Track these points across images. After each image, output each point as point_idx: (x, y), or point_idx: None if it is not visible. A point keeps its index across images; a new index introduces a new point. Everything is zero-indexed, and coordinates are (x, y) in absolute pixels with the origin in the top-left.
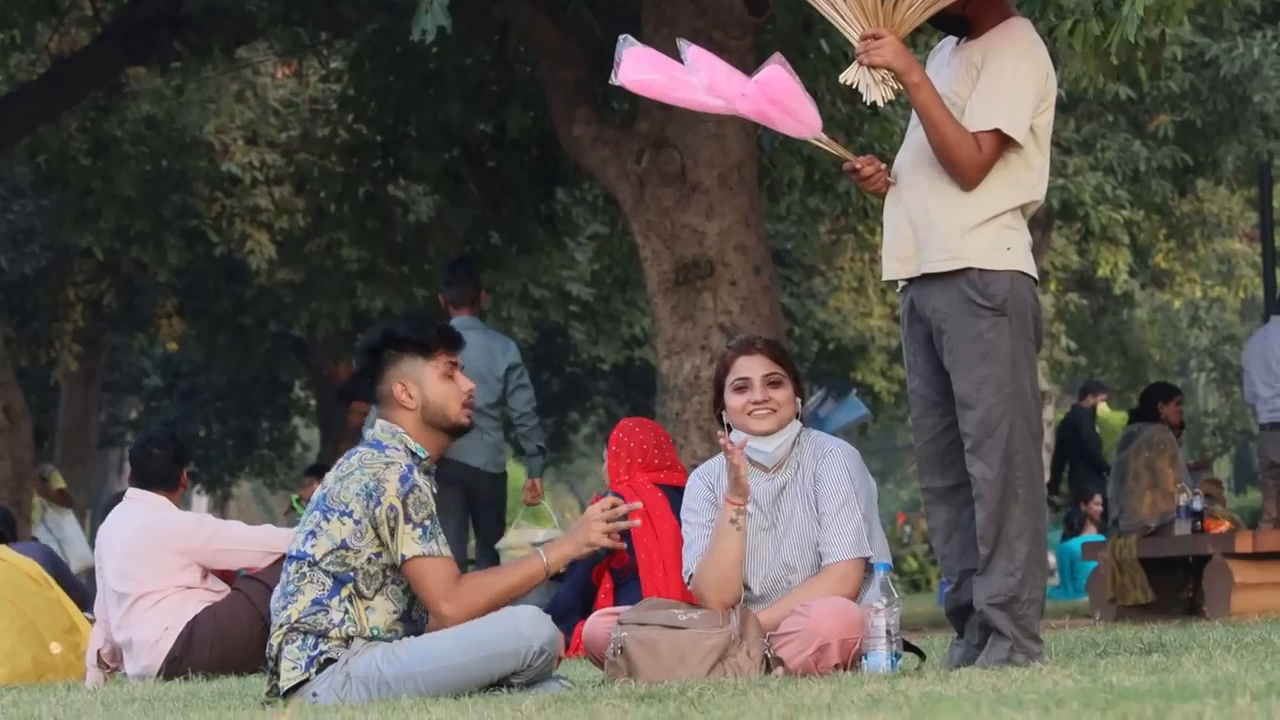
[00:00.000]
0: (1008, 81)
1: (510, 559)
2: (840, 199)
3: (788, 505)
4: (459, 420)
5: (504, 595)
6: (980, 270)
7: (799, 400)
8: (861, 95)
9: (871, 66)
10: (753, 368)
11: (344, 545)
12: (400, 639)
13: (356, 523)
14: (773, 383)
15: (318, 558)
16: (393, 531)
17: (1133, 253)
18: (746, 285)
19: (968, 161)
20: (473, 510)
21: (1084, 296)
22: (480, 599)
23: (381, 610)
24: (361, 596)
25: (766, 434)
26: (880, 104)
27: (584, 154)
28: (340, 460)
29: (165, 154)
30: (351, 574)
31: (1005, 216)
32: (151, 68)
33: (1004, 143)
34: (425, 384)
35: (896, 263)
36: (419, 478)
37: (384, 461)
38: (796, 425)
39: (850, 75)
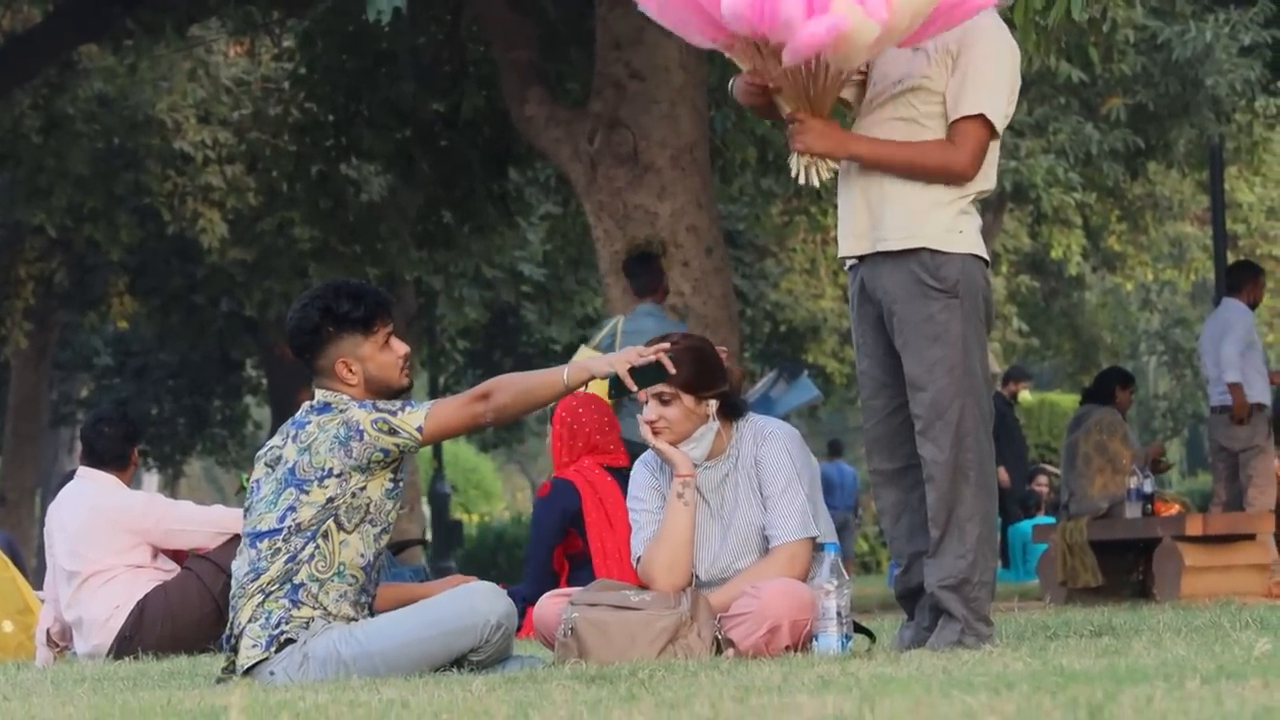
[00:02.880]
0: (989, 69)
1: None
2: (792, 180)
3: (730, 492)
4: (400, 384)
5: (523, 391)
6: (932, 251)
7: (712, 403)
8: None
9: (801, 153)
10: None
11: (329, 501)
12: (361, 604)
13: (339, 476)
14: (662, 401)
15: (303, 523)
16: (393, 430)
17: (1085, 235)
18: (698, 266)
19: (945, 163)
20: None
21: (1035, 279)
22: (504, 390)
23: (354, 547)
24: (341, 529)
25: (670, 445)
26: (819, 184)
27: (537, 134)
28: (284, 434)
29: (117, 132)
30: (334, 510)
31: (961, 202)
32: (104, 45)
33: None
34: (366, 359)
35: (852, 240)
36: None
37: (340, 409)
38: (709, 428)
39: (793, 166)
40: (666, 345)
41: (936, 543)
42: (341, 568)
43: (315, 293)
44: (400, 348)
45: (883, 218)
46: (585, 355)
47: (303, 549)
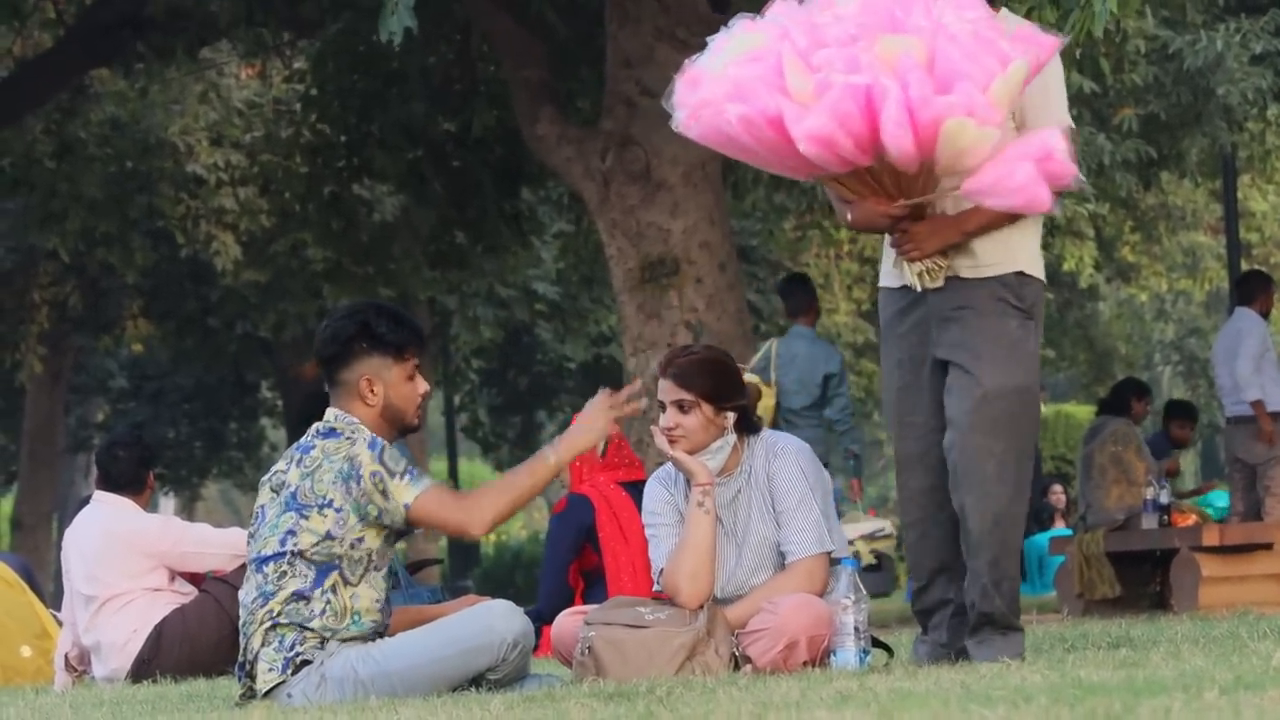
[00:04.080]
0: (1055, 84)
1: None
2: (805, 195)
3: (743, 509)
4: (411, 422)
5: (519, 495)
6: (1018, 274)
7: (730, 415)
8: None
9: (916, 260)
10: (664, 392)
11: (328, 535)
12: (376, 637)
13: (338, 511)
14: (681, 409)
15: (302, 549)
16: (385, 493)
17: (1098, 246)
18: (712, 282)
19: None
20: None
21: (1049, 290)
22: (488, 501)
23: (365, 597)
24: (347, 583)
25: (687, 454)
26: (929, 287)
27: (548, 153)
28: (289, 458)
29: (130, 155)
30: (336, 561)
31: (1038, 225)
32: (115, 69)
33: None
34: (390, 384)
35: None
36: (384, 442)
37: (348, 442)
38: (726, 440)
39: (906, 276)
40: (635, 389)
41: (984, 549)
42: (356, 616)
43: (356, 307)
44: (422, 385)
45: (971, 247)
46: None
47: (313, 591)
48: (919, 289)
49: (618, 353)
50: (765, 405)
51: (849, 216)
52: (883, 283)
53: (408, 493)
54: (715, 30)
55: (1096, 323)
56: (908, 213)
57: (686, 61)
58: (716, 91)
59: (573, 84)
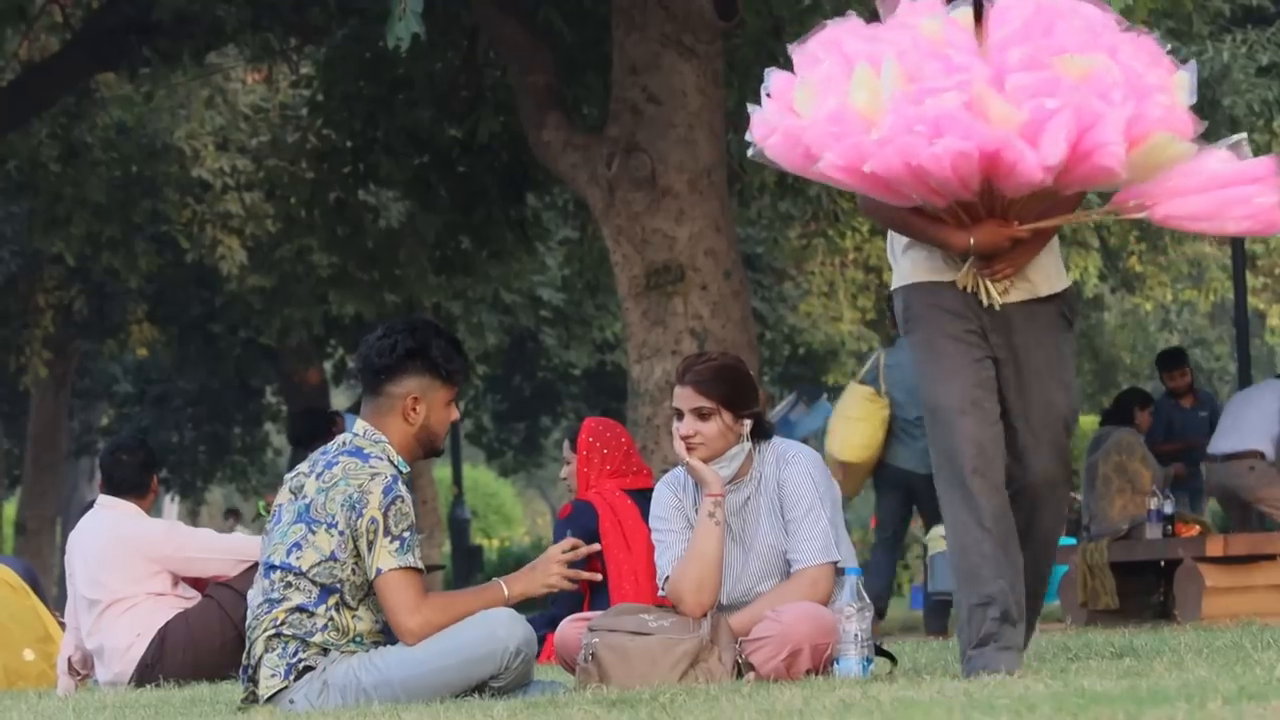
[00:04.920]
0: None
1: (937, 549)
2: (811, 203)
3: (752, 516)
4: (439, 447)
5: (463, 615)
6: (1066, 288)
7: (747, 422)
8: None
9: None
10: (682, 399)
11: (332, 557)
12: (379, 647)
13: (340, 534)
14: (700, 416)
15: (305, 569)
16: (370, 544)
17: (1103, 256)
18: (717, 290)
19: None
20: (917, 503)
21: None
22: (440, 616)
23: (366, 620)
24: (347, 606)
25: (703, 462)
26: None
27: (554, 159)
28: (314, 464)
29: (135, 160)
30: (339, 585)
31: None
32: (121, 74)
33: None
34: (433, 407)
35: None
36: (401, 488)
37: (369, 472)
38: (742, 448)
39: (967, 282)
40: (591, 549)
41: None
42: (359, 638)
43: (417, 324)
44: (454, 414)
45: (1042, 264)
46: (850, 393)
47: (316, 607)
48: (997, 306)
49: (622, 359)
50: (880, 416)
51: (971, 240)
52: (927, 278)
53: (389, 559)
54: (720, 37)
55: (1101, 333)
56: (1031, 236)
57: (772, 113)
58: (900, 126)
59: (579, 90)
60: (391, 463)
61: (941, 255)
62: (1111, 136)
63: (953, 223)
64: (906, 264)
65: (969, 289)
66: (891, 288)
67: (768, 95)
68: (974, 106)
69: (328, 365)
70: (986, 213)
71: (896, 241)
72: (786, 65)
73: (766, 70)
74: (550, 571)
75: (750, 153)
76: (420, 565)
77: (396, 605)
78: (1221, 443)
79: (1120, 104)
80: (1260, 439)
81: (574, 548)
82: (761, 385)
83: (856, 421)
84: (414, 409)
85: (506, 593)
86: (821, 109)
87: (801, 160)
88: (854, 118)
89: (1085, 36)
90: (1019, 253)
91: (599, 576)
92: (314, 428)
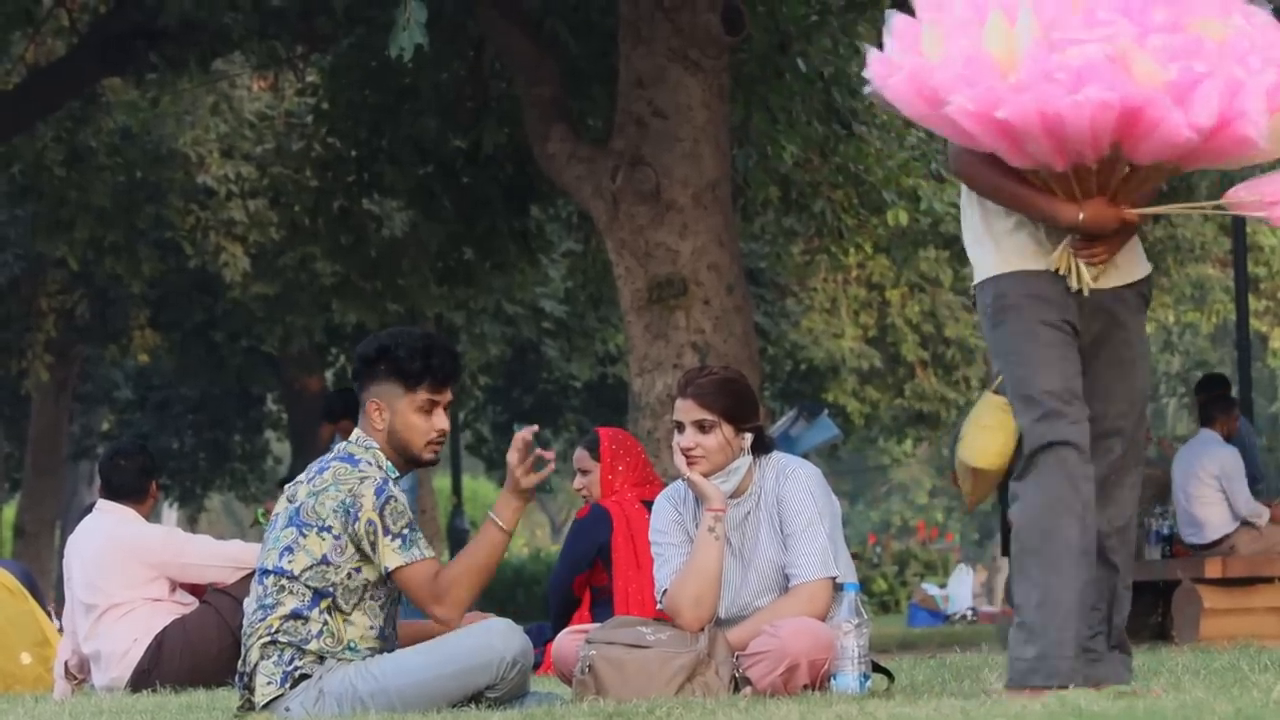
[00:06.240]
0: None
1: None
2: (814, 219)
3: (752, 530)
4: (420, 456)
5: (481, 575)
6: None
7: (748, 436)
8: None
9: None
10: (684, 412)
11: (324, 560)
12: (374, 655)
13: (336, 538)
14: (702, 428)
15: (296, 573)
16: (373, 545)
17: None
18: (719, 304)
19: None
20: None
21: None
22: (463, 590)
23: (359, 625)
24: (340, 611)
25: (704, 476)
26: (1086, 291)
27: (559, 171)
28: (310, 470)
29: (140, 165)
30: (331, 589)
31: None
32: (127, 79)
33: None
34: (397, 412)
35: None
36: (393, 488)
37: (358, 476)
38: (743, 462)
39: (1061, 264)
40: (544, 454)
41: (1130, 563)
42: (353, 643)
43: (391, 331)
44: (439, 422)
45: (1133, 249)
46: (984, 402)
47: (309, 611)
48: (1086, 291)
49: (624, 372)
50: (1012, 427)
51: (1080, 215)
52: (1021, 266)
53: (394, 558)
54: (727, 52)
55: None
56: (1139, 220)
57: (896, 53)
58: (1039, 73)
59: (584, 103)
60: (381, 467)
61: (1035, 242)
62: (1253, 104)
63: (1063, 195)
64: (998, 253)
65: (1061, 270)
66: (977, 280)
67: (890, 36)
68: (1118, 61)
69: (329, 374)
70: (1098, 189)
71: (986, 230)
72: (793, 80)
73: (888, 11)
74: (518, 478)
75: (866, 90)
76: (429, 554)
77: (419, 601)
78: (1191, 534)
79: (1260, 71)
80: (1222, 522)
81: (526, 444)
82: (762, 401)
83: (992, 430)
84: (379, 415)
85: (500, 522)
86: (954, 51)
87: (925, 104)
88: (989, 62)
89: (1219, 1)
90: (1118, 239)
91: (551, 460)
92: (347, 404)
